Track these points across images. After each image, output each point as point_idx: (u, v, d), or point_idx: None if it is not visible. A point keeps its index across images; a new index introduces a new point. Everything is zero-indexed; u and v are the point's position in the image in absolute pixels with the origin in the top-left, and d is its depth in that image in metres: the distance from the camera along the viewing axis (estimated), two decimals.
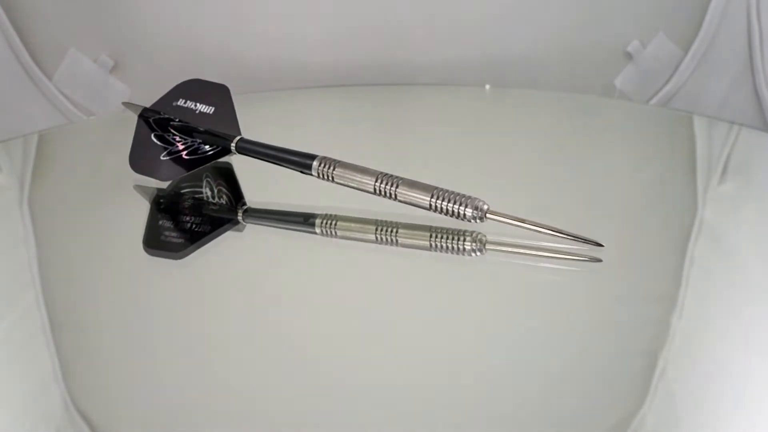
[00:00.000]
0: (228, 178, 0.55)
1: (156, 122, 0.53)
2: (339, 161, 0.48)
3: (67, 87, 0.87)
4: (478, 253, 0.43)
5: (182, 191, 0.54)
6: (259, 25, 0.86)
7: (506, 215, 0.43)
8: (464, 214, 0.43)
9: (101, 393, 0.34)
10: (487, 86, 0.85)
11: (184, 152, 0.52)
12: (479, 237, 0.44)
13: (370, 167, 0.47)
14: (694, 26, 0.87)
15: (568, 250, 0.43)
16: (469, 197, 0.43)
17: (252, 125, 0.52)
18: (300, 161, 0.49)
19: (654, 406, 0.33)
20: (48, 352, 0.36)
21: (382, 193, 0.46)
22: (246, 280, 0.44)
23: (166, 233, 0.48)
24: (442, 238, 0.44)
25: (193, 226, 0.48)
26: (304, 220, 0.49)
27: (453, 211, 0.43)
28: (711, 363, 0.36)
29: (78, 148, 0.69)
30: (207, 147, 0.52)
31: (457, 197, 0.43)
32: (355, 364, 0.36)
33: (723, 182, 0.57)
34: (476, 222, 0.43)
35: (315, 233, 0.47)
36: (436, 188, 0.44)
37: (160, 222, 0.49)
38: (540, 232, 0.42)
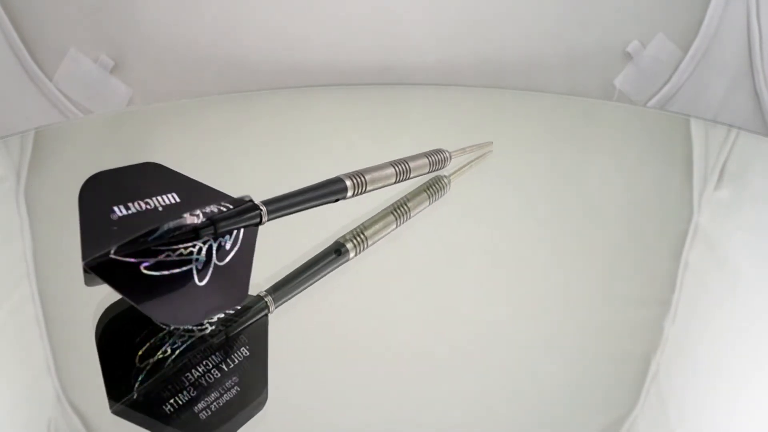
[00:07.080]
0: None
1: (135, 255, 0.35)
2: (363, 170, 0.46)
3: (67, 87, 0.87)
4: (450, 185, 0.54)
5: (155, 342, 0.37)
6: (259, 25, 0.86)
7: (457, 149, 0.56)
8: (449, 158, 0.55)
9: (93, 386, 0.34)
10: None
11: (216, 259, 0.37)
12: (446, 175, 0.55)
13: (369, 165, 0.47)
14: (694, 27, 0.87)
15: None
16: (437, 150, 0.53)
17: (252, 124, 0.51)
18: (330, 191, 0.44)
19: (646, 409, 0.33)
20: (41, 345, 0.36)
21: (401, 177, 0.49)
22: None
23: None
24: (432, 188, 0.53)
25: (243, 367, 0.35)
26: (335, 254, 0.44)
27: (441, 160, 0.54)
28: (703, 366, 0.36)
29: (73, 144, 0.69)
30: (227, 237, 0.38)
31: (434, 152, 0.53)
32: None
33: (719, 187, 0.57)
34: (446, 163, 0.54)
35: (349, 259, 0.44)
36: (423, 154, 0.52)
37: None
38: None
